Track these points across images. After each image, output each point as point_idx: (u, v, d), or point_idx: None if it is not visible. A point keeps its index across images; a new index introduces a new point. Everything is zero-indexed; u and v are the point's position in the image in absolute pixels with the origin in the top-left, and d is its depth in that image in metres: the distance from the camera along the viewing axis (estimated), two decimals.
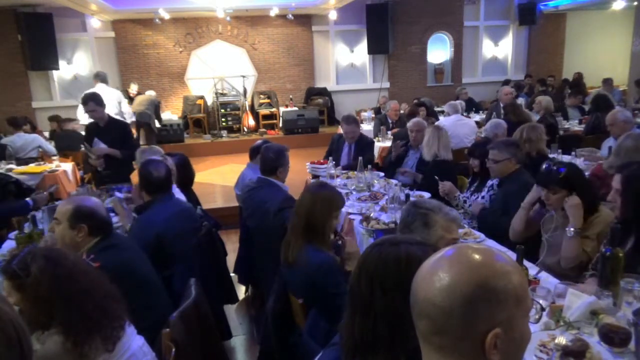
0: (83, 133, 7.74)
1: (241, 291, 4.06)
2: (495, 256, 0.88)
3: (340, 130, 8.26)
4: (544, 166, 2.61)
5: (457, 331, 0.84)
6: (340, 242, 2.59)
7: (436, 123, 6.07)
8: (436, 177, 3.62)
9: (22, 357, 1.04)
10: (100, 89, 7.71)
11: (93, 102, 4.60)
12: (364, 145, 4.94)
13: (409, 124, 4.80)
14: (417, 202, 2.01)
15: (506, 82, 10.52)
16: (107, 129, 4.69)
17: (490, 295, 0.83)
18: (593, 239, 2.35)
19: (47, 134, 7.87)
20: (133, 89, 9.64)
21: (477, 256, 0.87)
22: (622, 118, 4.23)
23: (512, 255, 2.19)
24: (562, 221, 2.48)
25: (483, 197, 3.44)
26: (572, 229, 2.33)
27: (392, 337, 1.19)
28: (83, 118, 6.11)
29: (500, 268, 0.86)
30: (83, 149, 4.79)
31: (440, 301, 0.84)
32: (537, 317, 1.84)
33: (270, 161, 3.29)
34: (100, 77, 7.65)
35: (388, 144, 6.00)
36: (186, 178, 3.68)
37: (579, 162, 4.43)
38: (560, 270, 2.44)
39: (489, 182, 3.45)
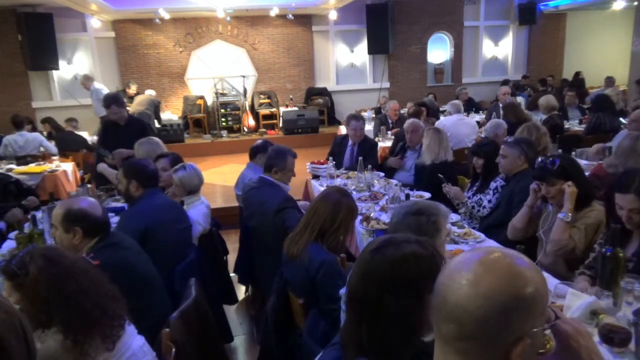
0: (85, 134, 7.82)
1: (241, 291, 4.06)
2: (526, 263, 0.88)
3: (341, 132, 8.33)
4: (538, 161, 2.63)
5: (486, 339, 0.83)
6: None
7: (437, 123, 6.08)
8: (440, 176, 3.61)
9: (28, 350, 1.06)
10: (99, 86, 7.75)
11: (115, 104, 4.65)
12: (367, 148, 4.89)
13: (405, 125, 4.80)
14: (423, 209, 1.96)
15: (505, 82, 10.53)
16: (127, 127, 4.71)
17: (524, 306, 0.83)
18: (581, 230, 2.42)
19: (45, 134, 7.87)
20: (132, 88, 9.64)
21: (511, 263, 0.86)
22: None
23: None
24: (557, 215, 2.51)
25: (490, 201, 3.36)
26: (563, 214, 2.41)
27: (400, 339, 1.19)
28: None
29: (532, 277, 0.86)
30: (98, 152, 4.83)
31: (474, 309, 0.83)
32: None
33: (268, 158, 3.31)
34: (92, 78, 7.73)
35: (388, 144, 6.01)
36: None
37: (581, 162, 4.42)
38: (557, 270, 2.46)
39: (493, 184, 3.40)
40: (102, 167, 4.46)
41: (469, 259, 0.89)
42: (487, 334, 0.83)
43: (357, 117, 5.05)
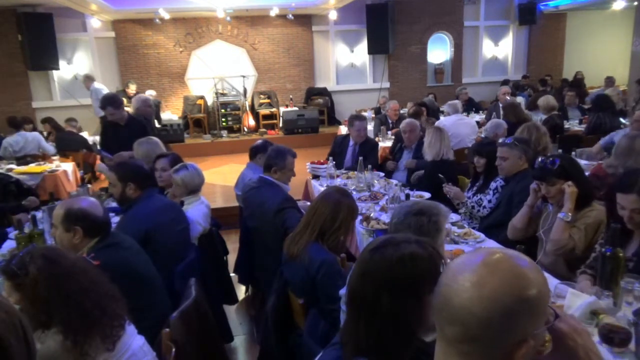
0: (85, 134, 7.82)
1: (241, 291, 4.06)
2: (528, 264, 0.88)
3: (341, 132, 8.33)
4: (538, 161, 2.63)
5: (490, 341, 0.84)
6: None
7: (436, 123, 6.08)
8: (441, 176, 3.60)
9: (28, 350, 1.06)
10: (99, 86, 7.73)
11: (111, 106, 4.62)
12: (368, 147, 4.91)
13: (402, 125, 4.83)
14: (424, 209, 1.97)
15: (505, 82, 10.52)
16: (127, 127, 4.69)
17: (527, 308, 0.84)
18: (581, 229, 2.42)
19: (45, 134, 7.87)
20: (132, 88, 9.64)
21: (514, 264, 0.87)
22: None
23: None
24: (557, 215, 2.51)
25: (490, 201, 3.36)
26: (563, 214, 2.41)
27: (398, 339, 1.19)
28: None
29: (535, 278, 0.86)
30: (99, 156, 4.81)
31: (479, 311, 0.83)
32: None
33: (267, 158, 3.33)
34: (93, 78, 7.71)
35: (388, 144, 6.01)
36: None
37: (581, 162, 4.41)
38: (557, 270, 2.46)
39: (493, 184, 3.39)
40: (102, 167, 4.46)
41: (471, 261, 0.89)
42: (491, 336, 0.83)
43: (360, 118, 5.08)
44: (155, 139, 4.10)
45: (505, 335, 0.83)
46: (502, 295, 0.82)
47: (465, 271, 0.87)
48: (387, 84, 11.63)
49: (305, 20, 10.96)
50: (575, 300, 1.84)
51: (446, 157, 4.15)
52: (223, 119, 10.30)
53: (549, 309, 0.91)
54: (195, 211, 3.16)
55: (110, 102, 4.66)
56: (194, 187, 3.25)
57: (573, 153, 4.76)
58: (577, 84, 10.50)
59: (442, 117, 7.06)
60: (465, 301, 0.84)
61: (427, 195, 3.63)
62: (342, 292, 1.92)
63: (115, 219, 3.14)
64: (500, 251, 0.91)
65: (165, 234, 2.73)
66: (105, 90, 8.14)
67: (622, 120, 6.00)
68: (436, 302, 0.90)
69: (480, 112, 8.91)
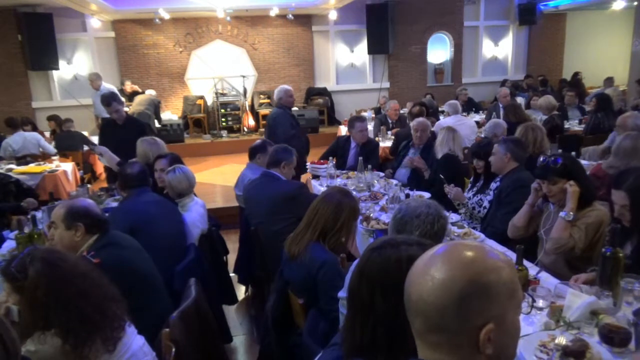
0: (85, 133, 7.82)
1: (241, 291, 4.07)
2: (487, 252, 0.90)
3: (341, 132, 8.32)
4: (540, 160, 2.63)
5: (451, 327, 0.85)
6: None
7: (436, 124, 6.09)
8: (441, 176, 3.60)
9: (6, 350, 1.03)
10: (109, 86, 7.74)
11: (116, 102, 4.74)
12: (370, 148, 4.92)
13: (413, 123, 4.78)
14: (439, 212, 1.95)
15: (504, 83, 10.49)
16: (125, 127, 4.74)
17: (482, 291, 0.85)
18: (581, 229, 2.42)
19: (47, 134, 7.86)
20: (127, 85, 9.65)
21: (468, 253, 0.89)
22: (631, 124, 4.18)
23: (512, 255, 2.19)
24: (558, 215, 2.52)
25: (490, 202, 3.36)
26: (564, 213, 2.42)
27: (391, 340, 1.19)
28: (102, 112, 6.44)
29: (492, 264, 0.88)
30: (98, 156, 4.82)
31: (433, 299, 0.86)
32: (528, 310, 1.86)
33: (275, 154, 3.41)
34: (101, 77, 7.75)
35: (388, 143, 6.01)
36: None
37: (583, 162, 4.41)
38: (558, 269, 2.46)
39: (494, 185, 3.39)
40: (102, 149, 4.48)
41: (431, 255, 0.92)
42: (451, 322, 0.85)
43: (360, 119, 5.09)
44: (160, 141, 4.13)
45: (464, 320, 0.85)
46: (452, 281, 0.85)
47: (426, 265, 0.90)
48: (387, 84, 11.63)
49: (305, 20, 10.95)
50: (575, 300, 1.85)
51: (453, 153, 4.17)
52: (223, 119, 10.30)
53: (520, 295, 0.91)
54: (192, 213, 3.15)
55: (114, 97, 4.81)
56: (182, 191, 3.23)
57: (573, 153, 4.75)
58: (576, 84, 10.49)
59: (442, 117, 7.05)
60: (423, 293, 0.87)
61: (427, 195, 3.63)
62: (341, 294, 1.92)
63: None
64: (462, 243, 0.94)
65: (154, 225, 2.75)
66: (115, 91, 8.14)
67: None
68: (404, 299, 0.93)
69: (480, 112, 8.91)
